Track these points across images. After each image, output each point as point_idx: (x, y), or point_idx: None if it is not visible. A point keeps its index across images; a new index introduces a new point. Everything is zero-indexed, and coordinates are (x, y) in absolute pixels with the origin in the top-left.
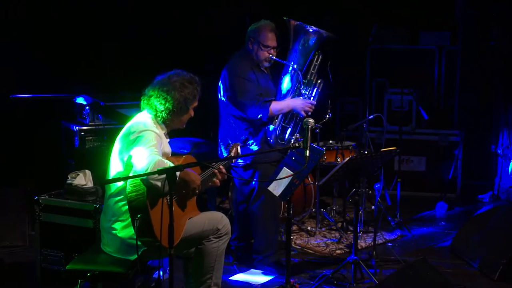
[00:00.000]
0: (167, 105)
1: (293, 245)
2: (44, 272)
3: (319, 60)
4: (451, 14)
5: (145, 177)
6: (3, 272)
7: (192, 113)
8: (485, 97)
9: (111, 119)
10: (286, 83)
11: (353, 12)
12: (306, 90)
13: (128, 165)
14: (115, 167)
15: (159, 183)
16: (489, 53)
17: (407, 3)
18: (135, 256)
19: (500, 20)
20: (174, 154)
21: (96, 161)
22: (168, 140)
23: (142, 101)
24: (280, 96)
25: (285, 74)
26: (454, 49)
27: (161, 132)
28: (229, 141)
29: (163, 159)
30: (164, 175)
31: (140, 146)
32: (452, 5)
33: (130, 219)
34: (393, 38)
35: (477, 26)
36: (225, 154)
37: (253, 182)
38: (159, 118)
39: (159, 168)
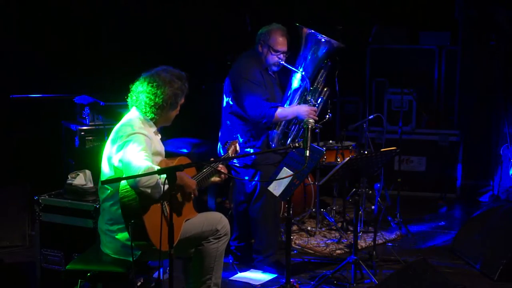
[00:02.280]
0: (156, 100)
1: (293, 245)
2: (44, 272)
3: (327, 68)
4: (451, 14)
5: (135, 184)
6: (3, 272)
7: (178, 110)
8: (485, 97)
9: (111, 119)
10: (292, 89)
11: (353, 12)
12: (312, 97)
13: (118, 170)
14: (106, 171)
15: (149, 190)
16: (489, 53)
17: (407, 3)
18: (134, 257)
19: (499, 20)
20: (173, 154)
21: (96, 161)
22: (160, 137)
23: (129, 97)
24: (285, 102)
25: (292, 79)
26: (454, 49)
27: (150, 131)
28: (228, 140)
29: (153, 166)
30: (154, 182)
31: (130, 152)
32: (452, 5)
33: None
34: (393, 38)
35: (477, 26)
36: (223, 153)
37: (253, 183)
38: (148, 115)
39: (159, 169)
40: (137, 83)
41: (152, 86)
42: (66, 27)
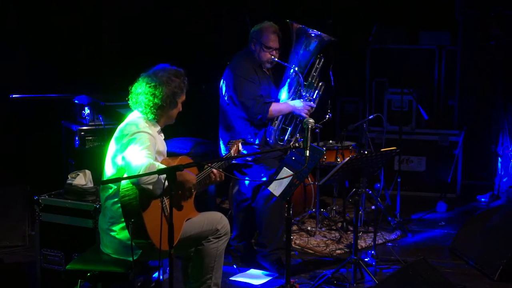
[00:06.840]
0: (155, 101)
1: (293, 245)
2: (44, 272)
3: (321, 63)
4: (451, 14)
5: (136, 180)
6: (3, 272)
7: (180, 107)
8: (485, 97)
9: (111, 119)
10: (287, 84)
11: (353, 12)
12: (307, 92)
13: (121, 169)
14: (109, 170)
15: (150, 186)
16: (489, 53)
17: (407, 3)
18: (135, 257)
19: (499, 20)
20: (173, 154)
21: (96, 161)
22: (163, 137)
23: (130, 100)
24: (280, 98)
25: (286, 75)
26: (454, 49)
27: (154, 131)
28: (230, 139)
29: (154, 163)
30: (155, 179)
31: (133, 150)
32: (452, 5)
33: None
34: (393, 38)
35: (477, 26)
36: (225, 152)
37: (261, 176)
38: (150, 115)
39: (159, 168)
40: (136, 84)
41: (150, 87)
42: (66, 27)
